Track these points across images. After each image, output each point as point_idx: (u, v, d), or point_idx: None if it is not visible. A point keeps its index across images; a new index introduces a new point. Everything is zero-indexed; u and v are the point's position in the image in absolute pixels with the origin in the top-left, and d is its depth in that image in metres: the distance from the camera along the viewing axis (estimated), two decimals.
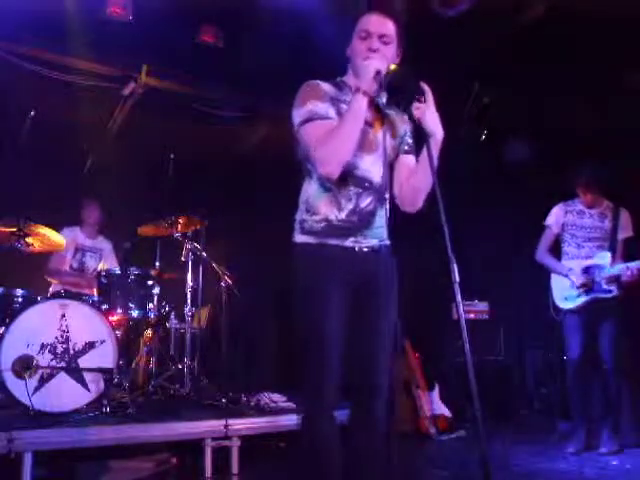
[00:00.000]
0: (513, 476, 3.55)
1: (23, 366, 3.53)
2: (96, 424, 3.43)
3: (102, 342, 3.79)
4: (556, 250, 4.47)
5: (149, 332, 4.56)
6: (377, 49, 2.22)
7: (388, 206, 2.31)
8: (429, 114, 2.15)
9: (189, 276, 4.68)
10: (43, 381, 3.58)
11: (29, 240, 4.08)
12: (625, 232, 4.28)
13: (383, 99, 2.35)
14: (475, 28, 4.65)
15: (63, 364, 3.65)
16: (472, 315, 6.02)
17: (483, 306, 6.11)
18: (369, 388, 2.21)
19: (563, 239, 4.39)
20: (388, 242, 2.29)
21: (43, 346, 3.63)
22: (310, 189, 2.28)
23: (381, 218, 2.27)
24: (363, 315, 2.21)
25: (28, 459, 3.05)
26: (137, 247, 4.90)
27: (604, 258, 4.19)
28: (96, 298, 4.29)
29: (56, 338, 3.67)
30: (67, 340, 3.70)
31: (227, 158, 6.02)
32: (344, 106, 2.24)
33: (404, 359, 5.01)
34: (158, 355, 4.51)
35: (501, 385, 5.92)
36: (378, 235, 2.26)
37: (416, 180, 2.26)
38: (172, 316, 4.86)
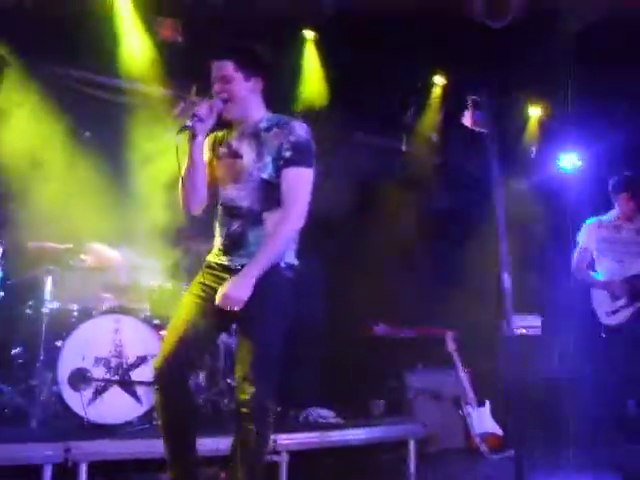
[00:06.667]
0: None
1: (78, 379, 3.63)
2: (148, 437, 3.49)
3: (154, 356, 3.86)
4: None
5: None
6: (219, 91, 2.51)
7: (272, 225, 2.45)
8: None
9: None
10: (97, 394, 3.67)
11: (83, 256, 4.21)
12: None
13: (265, 124, 2.53)
14: None
15: (116, 377, 3.74)
16: (524, 330, 5.87)
17: (535, 320, 5.95)
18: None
19: (600, 255, 4.23)
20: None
21: (97, 359, 3.74)
22: None
23: (257, 237, 2.45)
24: (239, 320, 2.45)
25: (83, 469, 3.12)
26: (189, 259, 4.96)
27: None
28: (148, 313, 4.38)
29: (110, 352, 3.77)
30: (120, 354, 3.80)
31: None
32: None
33: (455, 375, 4.93)
34: (208, 369, 4.56)
35: (556, 403, 5.75)
36: (254, 254, 2.41)
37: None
38: None
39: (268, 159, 2.46)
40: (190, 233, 4.73)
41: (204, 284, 2.52)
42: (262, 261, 2.36)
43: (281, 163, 2.44)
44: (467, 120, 6.05)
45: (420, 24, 4.78)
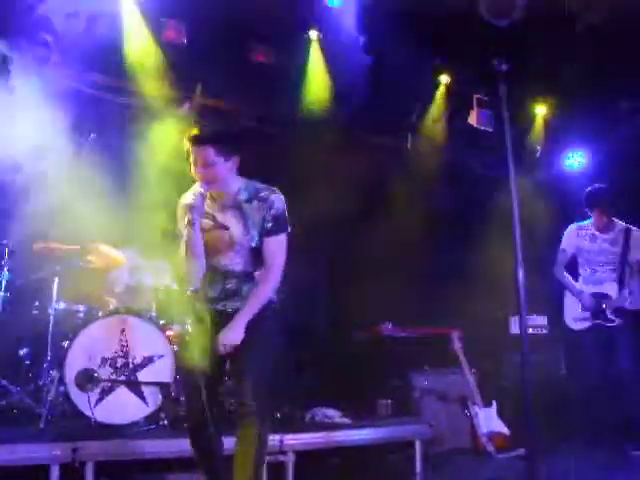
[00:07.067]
0: None
1: (85, 379, 3.64)
2: (154, 437, 3.51)
3: (160, 357, 3.88)
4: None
5: None
6: (203, 175, 2.74)
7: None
8: None
9: None
10: (104, 394, 3.68)
11: (90, 257, 4.23)
12: (637, 253, 4.25)
13: (244, 195, 2.82)
14: None
15: (123, 378, 3.75)
16: (530, 330, 5.85)
17: (542, 320, 5.93)
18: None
19: (578, 262, 4.42)
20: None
21: (104, 360, 3.75)
22: None
23: (250, 288, 2.82)
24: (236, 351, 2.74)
25: (90, 469, 3.14)
26: None
27: (611, 288, 4.21)
28: (154, 313, 4.39)
29: (116, 352, 3.78)
30: (126, 354, 3.81)
31: (281, 175, 6.08)
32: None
33: (461, 375, 4.92)
34: None
35: (563, 402, 5.74)
36: (247, 298, 2.81)
37: None
38: None
39: (254, 232, 2.80)
40: None
41: (202, 329, 2.81)
42: (251, 310, 2.76)
43: (264, 232, 2.80)
44: (472, 119, 6.06)
45: (424, 23, 4.78)
